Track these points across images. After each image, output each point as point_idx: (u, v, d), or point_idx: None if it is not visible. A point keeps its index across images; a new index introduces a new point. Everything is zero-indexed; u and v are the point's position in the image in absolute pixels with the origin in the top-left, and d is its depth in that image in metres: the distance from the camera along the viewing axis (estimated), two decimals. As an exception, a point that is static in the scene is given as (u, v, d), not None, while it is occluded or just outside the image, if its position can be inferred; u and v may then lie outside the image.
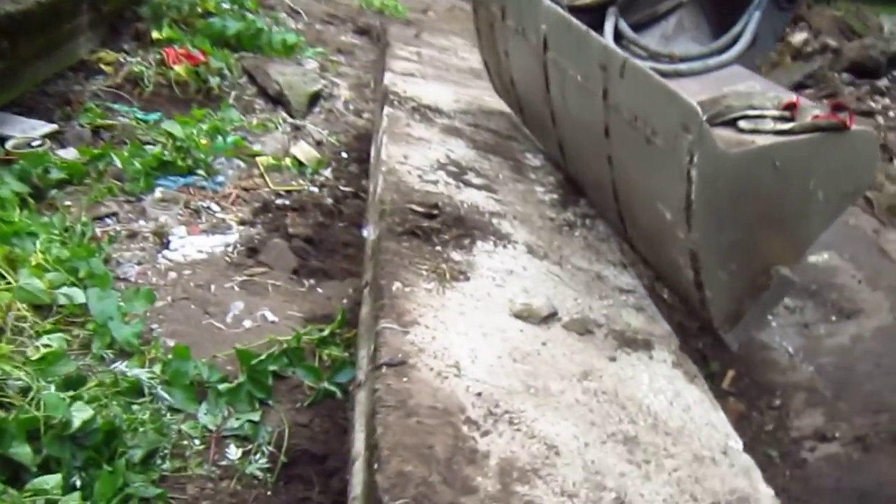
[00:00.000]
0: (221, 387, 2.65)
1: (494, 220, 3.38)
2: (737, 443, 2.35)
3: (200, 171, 4.13)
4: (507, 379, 2.27)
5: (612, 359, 2.57)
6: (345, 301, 3.40)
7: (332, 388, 2.81)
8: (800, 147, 2.46)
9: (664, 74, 2.93)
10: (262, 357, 2.73)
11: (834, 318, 3.57)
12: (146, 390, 2.50)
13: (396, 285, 2.61)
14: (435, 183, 3.62)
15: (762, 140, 2.46)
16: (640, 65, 2.72)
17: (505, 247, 3.16)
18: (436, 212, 3.20)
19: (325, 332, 3.05)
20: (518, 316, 2.64)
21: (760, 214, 2.57)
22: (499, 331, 2.52)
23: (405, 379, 2.12)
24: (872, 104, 6.40)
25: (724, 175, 2.43)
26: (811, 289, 3.71)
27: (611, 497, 1.93)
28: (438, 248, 2.98)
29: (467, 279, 2.81)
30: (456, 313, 2.55)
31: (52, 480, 2.01)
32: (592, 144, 3.35)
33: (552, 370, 2.39)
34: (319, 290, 3.49)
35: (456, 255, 2.96)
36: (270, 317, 3.17)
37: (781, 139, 2.45)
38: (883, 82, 6.89)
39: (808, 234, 2.69)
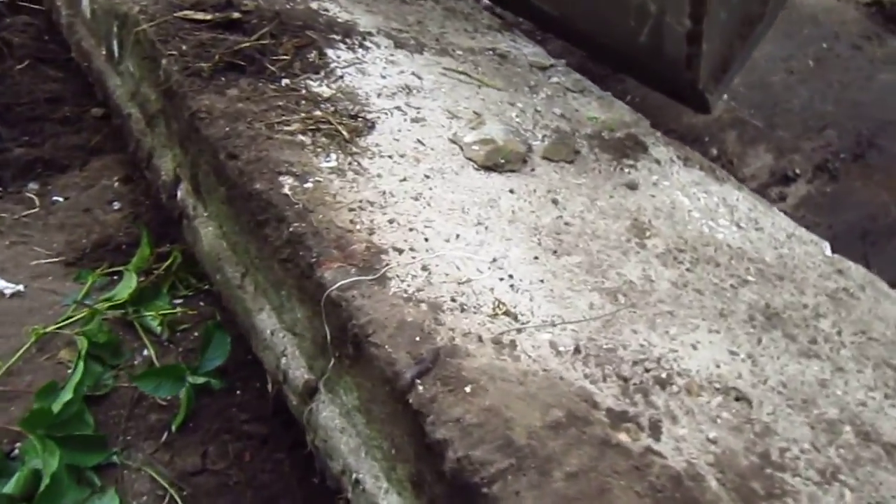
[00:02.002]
0: (7, 489, 1.33)
1: (314, 5, 2.09)
2: (826, 246, 1.71)
3: None
4: (579, 297, 1.31)
5: (632, 186, 1.69)
6: (118, 205, 2.00)
7: (204, 379, 1.60)
8: None
9: None
10: (68, 398, 1.40)
11: (713, 27, 2.96)
12: None
13: (288, 182, 1.38)
14: (180, -38, 2.14)
15: None
16: None
17: (365, 48, 1.95)
18: (236, 14, 1.84)
19: (132, 281, 1.72)
20: (490, 166, 1.59)
21: None
22: (489, 204, 1.48)
23: (467, 389, 1.07)
24: None
25: None
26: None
27: (850, 433, 1.19)
28: (285, 80, 1.71)
29: (370, 126, 1.63)
30: (410, 199, 1.44)
31: None
32: None
33: (602, 246, 1.46)
34: (59, 198, 2.02)
35: (318, 87, 1.72)
36: (7, 287, 1.73)
37: None
38: None
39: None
